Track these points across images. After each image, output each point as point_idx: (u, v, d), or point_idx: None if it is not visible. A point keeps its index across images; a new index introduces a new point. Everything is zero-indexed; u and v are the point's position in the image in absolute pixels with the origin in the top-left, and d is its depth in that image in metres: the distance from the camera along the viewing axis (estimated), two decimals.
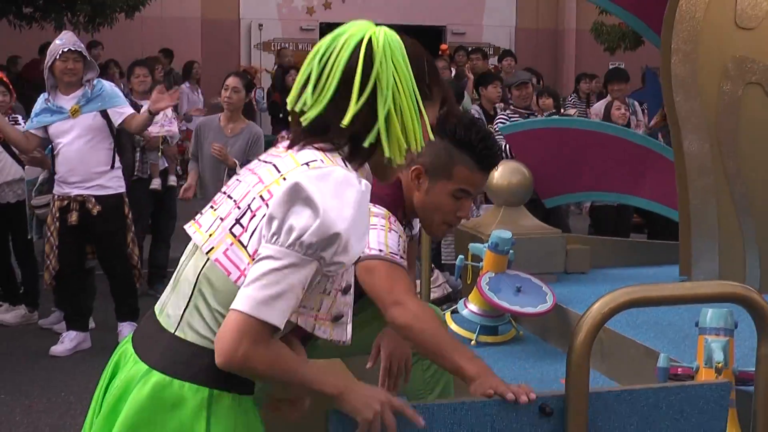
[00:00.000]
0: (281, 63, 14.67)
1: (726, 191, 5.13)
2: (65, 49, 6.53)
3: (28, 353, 6.85)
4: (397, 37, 2.10)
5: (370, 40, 2.07)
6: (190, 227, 2.20)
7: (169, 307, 2.17)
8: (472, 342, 4.65)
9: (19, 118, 7.75)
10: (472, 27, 18.09)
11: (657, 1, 5.27)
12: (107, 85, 6.95)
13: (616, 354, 4.23)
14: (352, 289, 2.15)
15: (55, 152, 6.76)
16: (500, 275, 4.63)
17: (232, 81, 7.47)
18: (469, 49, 13.87)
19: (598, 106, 10.48)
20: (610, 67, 15.56)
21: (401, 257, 2.91)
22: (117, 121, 6.70)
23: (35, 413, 5.66)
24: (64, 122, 6.62)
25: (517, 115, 8.33)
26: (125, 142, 7.28)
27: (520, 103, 8.71)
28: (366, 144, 2.06)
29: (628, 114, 9.07)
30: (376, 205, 2.91)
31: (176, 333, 2.12)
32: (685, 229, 5.28)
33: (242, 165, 5.98)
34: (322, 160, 2.03)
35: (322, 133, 2.08)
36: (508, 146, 6.98)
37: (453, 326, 4.72)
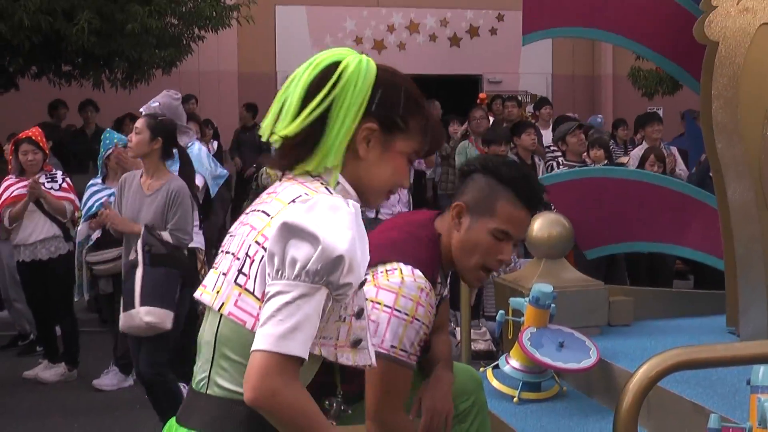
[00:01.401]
0: None
1: None
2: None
3: (66, 410, 6.81)
4: (374, 67, 2.15)
5: (341, 63, 2.12)
6: (198, 293, 2.22)
7: (198, 373, 2.18)
8: (515, 399, 4.54)
9: (58, 174, 7.83)
10: (509, 75, 18.05)
11: (694, 46, 5.18)
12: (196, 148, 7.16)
13: (664, 411, 4.10)
14: (365, 313, 2.14)
15: None
16: (542, 330, 4.53)
17: (138, 121, 6.22)
18: (504, 97, 13.79)
19: (635, 153, 10.37)
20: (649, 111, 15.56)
21: (411, 356, 2.90)
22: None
23: None
24: None
25: (568, 168, 8.20)
26: None
27: (578, 149, 8.56)
28: (330, 162, 2.11)
29: (661, 165, 8.89)
30: (415, 275, 2.92)
31: (208, 392, 2.13)
32: (731, 278, 5.15)
33: (160, 228, 5.79)
34: (306, 194, 2.06)
35: (293, 157, 2.14)
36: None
37: (494, 383, 4.62)
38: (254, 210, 2.18)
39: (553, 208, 6.42)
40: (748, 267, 5.01)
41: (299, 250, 1.97)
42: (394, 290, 2.92)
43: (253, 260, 2.07)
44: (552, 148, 10.52)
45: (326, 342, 2.07)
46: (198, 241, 6.76)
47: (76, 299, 7.86)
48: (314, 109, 2.08)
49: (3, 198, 7.75)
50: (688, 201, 6.00)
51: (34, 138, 7.71)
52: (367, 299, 2.26)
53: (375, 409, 2.88)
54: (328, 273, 1.97)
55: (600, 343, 4.63)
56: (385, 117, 2.16)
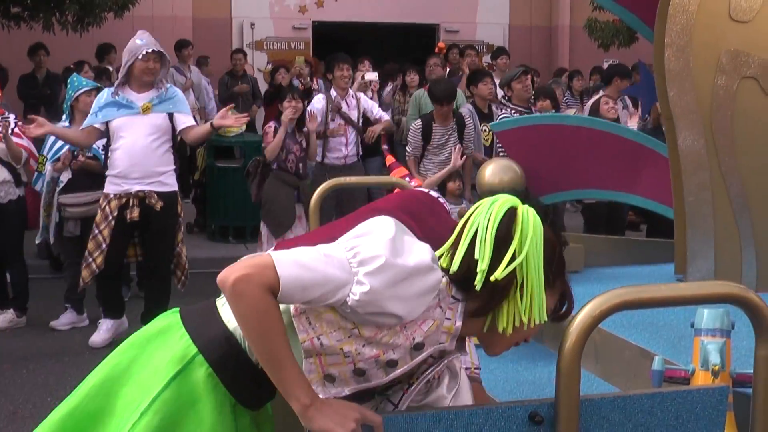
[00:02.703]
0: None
1: (722, 187, 5.05)
2: (148, 50, 6.71)
3: (15, 356, 6.76)
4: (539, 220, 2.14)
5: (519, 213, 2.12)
6: None
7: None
8: None
9: (11, 118, 7.71)
10: (466, 25, 17.96)
11: None
12: (179, 90, 7.20)
13: (610, 355, 4.14)
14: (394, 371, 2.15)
15: (112, 147, 6.79)
16: None
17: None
18: (461, 46, 13.74)
19: (590, 105, 10.38)
20: (605, 63, 15.56)
21: None
22: (179, 126, 6.87)
23: (20, 419, 5.56)
24: (133, 117, 6.74)
25: (517, 113, 8.20)
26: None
27: (523, 95, 8.54)
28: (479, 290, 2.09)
29: (617, 108, 8.94)
30: None
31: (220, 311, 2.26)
32: (681, 226, 5.19)
33: None
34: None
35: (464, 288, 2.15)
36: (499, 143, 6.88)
37: None
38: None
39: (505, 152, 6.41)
40: (696, 215, 5.05)
41: (372, 245, 2.04)
42: None
43: None
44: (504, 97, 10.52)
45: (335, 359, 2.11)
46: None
47: (37, 241, 7.86)
48: (510, 262, 2.07)
49: None
50: (640, 149, 6.02)
51: None
52: None
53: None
54: (363, 264, 2.02)
55: None
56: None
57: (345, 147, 9.34)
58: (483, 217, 2.11)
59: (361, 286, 2.01)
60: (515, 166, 5.39)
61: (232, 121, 6.87)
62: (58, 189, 7.36)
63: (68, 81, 7.69)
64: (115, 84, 6.94)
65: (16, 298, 7.76)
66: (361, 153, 9.61)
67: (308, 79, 13.22)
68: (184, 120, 6.90)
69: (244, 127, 9.13)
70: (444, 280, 2.13)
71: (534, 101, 8.97)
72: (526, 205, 2.14)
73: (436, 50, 14.44)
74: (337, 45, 14.32)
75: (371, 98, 10.48)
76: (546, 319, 2.16)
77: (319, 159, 9.23)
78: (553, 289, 2.20)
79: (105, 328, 7.06)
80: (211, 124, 6.87)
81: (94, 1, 11.05)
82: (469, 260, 2.11)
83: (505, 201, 2.14)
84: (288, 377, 2.04)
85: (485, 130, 9.34)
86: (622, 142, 6.07)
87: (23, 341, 7.21)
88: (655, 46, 5.14)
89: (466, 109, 9.38)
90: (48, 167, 7.39)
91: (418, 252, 2.08)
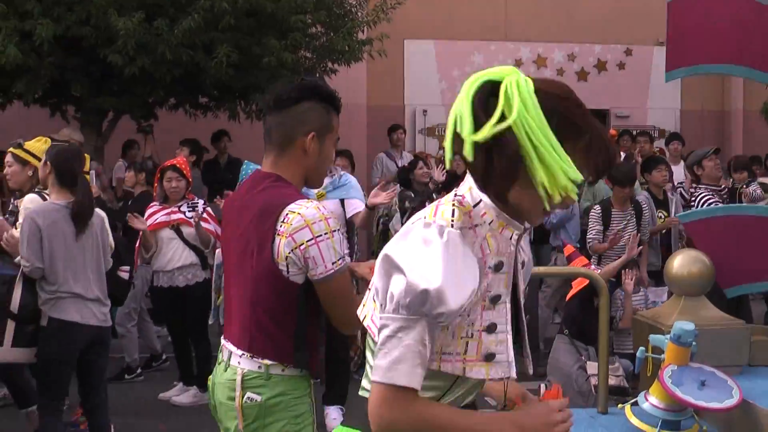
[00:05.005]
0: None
1: None
2: None
3: None
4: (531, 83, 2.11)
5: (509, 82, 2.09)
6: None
7: None
8: None
9: (200, 203, 8.07)
10: (637, 110, 17.87)
11: None
12: (352, 177, 7.40)
13: None
14: (500, 327, 2.23)
15: None
16: (683, 368, 4.48)
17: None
18: (634, 132, 13.67)
19: None
20: None
21: (346, 257, 3.47)
22: (349, 212, 7.06)
23: None
24: None
25: (710, 194, 8.09)
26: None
27: (714, 174, 8.44)
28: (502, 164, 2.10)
29: None
30: (307, 205, 3.36)
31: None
32: None
33: None
34: (424, 218, 2.19)
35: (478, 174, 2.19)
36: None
37: (633, 420, 4.58)
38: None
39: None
40: None
41: (395, 285, 2.11)
42: (302, 227, 3.22)
43: None
44: (683, 183, 10.39)
45: (449, 358, 2.18)
46: None
47: (210, 322, 8.09)
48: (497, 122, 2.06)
49: (147, 224, 8.01)
50: None
51: (178, 166, 7.98)
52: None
53: (348, 315, 3.15)
54: (419, 305, 2.07)
55: (741, 383, 4.55)
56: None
57: None
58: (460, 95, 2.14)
59: (438, 317, 2.10)
60: (704, 257, 5.32)
61: (383, 198, 6.94)
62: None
63: (243, 167, 8.00)
64: None
65: (200, 374, 8.04)
66: (531, 240, 9.63)
67: None
68: (355, 206, 7.05)
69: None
70: (456, 214, 2.18)
71: (729, 172, 8.85)
72: (515, 75, 2.09)
73: None
74: None
75: None
76: (579, 177, 2.08)
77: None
78: (577, 143, 2.13)
79: None
80: (366, 206, 6.98)
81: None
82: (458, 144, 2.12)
83: (481, 74, 2.14)
84: (487, 429, 2.16)
85: (661, 218, 9.27)
86: None
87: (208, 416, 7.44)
88: None
89: (642, 196, 9.33)
90: (217, 251, 7.66)
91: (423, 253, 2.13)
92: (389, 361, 2.09)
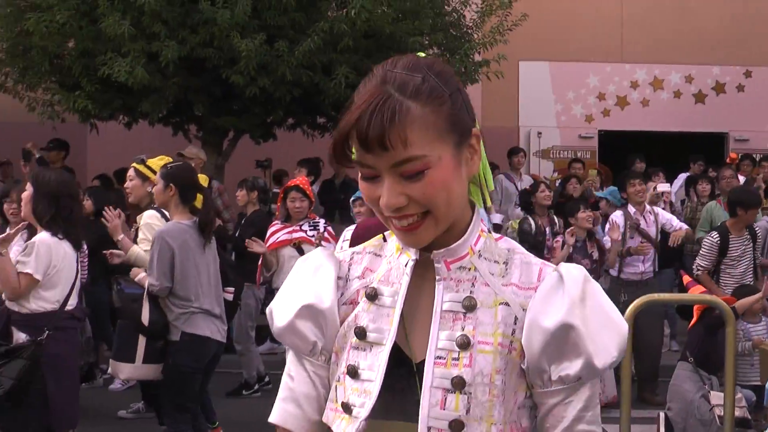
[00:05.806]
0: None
1: None
2: None
3: None
4: None
5: None
6: None
7: None
8: None
9: (321, 223, 8.17)
10: (757, 133, 17.44)
11: None
12: None
13: None
14: (366, 374, 1.79)
15: None
16: None
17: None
18: (757, 156, 13.37)
19: None
20: None
21: None
22: None
23: None
24: None
25: None
26: None
27: None
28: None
29: None
30: None
31: None
32: None
33: None
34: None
35: None
36: None
37: None
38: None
39: None
40: None
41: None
42: None
43: None
44: None
45: (330, 405, 1.86)
46: None
47: None
48: None
49: (269, 243, 8.15)
50: None
51: (301, 186, 8.11)
52: None
53: None
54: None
55: None
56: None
57: (642, 263, 9.25)
58: None
59: (286, 344, 1.90)
60: None
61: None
62: None
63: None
64: None
65: None
66: (656, 268, 9.49)
67: (600, 187, 13.22)
68: None
69: None
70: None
71: None
72: None
73: (728, 161, 14.12)
74: (622, 154, 14.29)
75: (663, 209, 10.38)
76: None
77: (614, 273, 9.20)
78: None
79: None
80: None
81: None
82: None
83: None
84: None
85: None
86: None
87: None
88: None
89: (764, 222, 9.16)
90: None
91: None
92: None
